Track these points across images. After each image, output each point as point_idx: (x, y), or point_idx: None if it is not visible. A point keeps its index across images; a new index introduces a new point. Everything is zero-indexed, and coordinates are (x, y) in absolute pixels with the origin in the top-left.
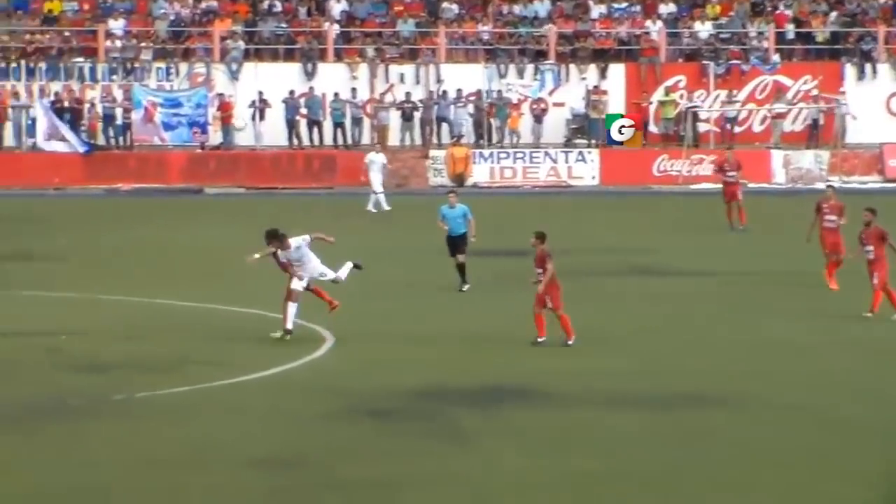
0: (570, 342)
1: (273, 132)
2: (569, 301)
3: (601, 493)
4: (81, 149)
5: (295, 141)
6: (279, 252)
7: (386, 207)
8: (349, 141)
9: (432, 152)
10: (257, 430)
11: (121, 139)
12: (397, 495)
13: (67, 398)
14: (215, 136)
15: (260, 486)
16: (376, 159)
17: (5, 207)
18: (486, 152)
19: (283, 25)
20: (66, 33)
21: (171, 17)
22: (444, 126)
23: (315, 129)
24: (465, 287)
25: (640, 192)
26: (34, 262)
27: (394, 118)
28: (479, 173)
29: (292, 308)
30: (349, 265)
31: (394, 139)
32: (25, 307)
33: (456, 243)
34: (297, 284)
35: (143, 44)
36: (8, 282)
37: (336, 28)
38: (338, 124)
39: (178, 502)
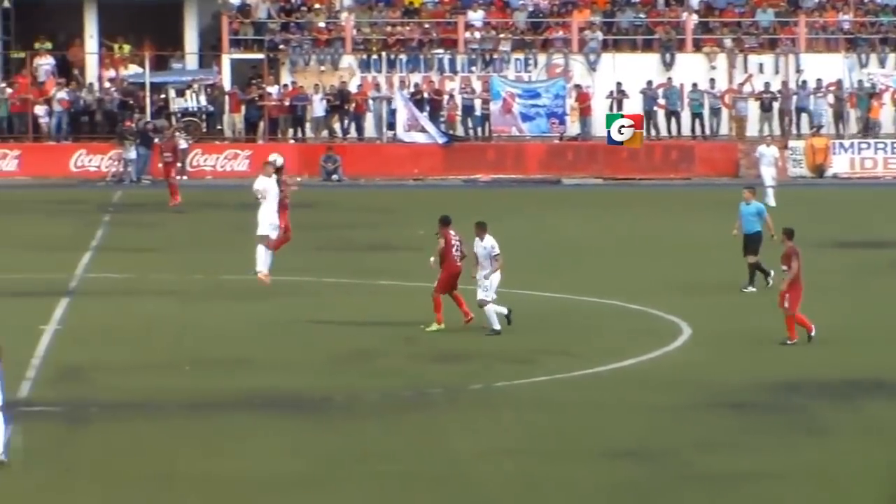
0: (810, 335)
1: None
2: None
3: None
4: (441, 140)
5: (653, 131)
6: (476, 241)
7: (772, 203)
8: (707, 132)
9: (791, 143)
10: (614, 422)
11: (479, 130)
12: (755, 488)
13: (426, 387)
14: (573, 127)
15: (617, 478)
16: (767, 152)
17: (366, 198)
18: (847, 143)
19: (642, 16)
20: (426, 25)
21: (530, 9)
22: (804, 117)
23: (673, 120)
24: (749, 288)
25: None
26: (394, 252)
27: (752, 108)
28: (839, 164)
29: (490, 309)
30: (505, 311)
31: (752, 130)
32: (385, 297)
33: (747, 242)
34: (484, 295)
35: (501, 35)
36: (368, 272)
37: (694, 18)
38: (696, 115)
39: (535, 493)
